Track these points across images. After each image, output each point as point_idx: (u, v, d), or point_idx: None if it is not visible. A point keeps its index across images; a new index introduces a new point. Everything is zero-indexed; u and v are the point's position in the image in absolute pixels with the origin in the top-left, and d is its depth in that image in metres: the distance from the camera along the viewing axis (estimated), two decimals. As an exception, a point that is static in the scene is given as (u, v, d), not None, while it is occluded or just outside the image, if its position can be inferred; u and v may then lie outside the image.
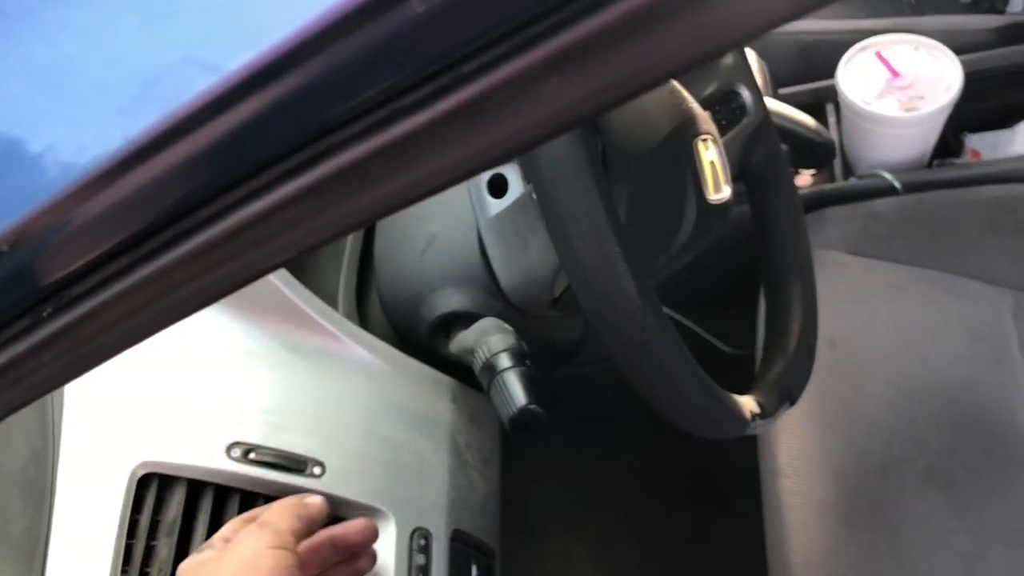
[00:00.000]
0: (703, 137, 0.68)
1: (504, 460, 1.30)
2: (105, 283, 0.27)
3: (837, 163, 1.15)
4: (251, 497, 0.56)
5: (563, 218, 0.51)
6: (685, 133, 0.67)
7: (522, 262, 0.65)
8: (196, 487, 0.55)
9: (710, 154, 0.68)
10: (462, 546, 0.61)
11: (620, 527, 1.25)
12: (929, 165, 1.14)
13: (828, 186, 1.11)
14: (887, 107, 1.06)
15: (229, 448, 0.56)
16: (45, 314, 0.28)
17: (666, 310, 1.21)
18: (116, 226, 0.25)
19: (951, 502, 0.89)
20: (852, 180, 1.11)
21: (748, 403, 0.62)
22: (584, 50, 0.21)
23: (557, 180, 0.51)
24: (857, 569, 0.85)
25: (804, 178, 1.17)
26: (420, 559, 0.58)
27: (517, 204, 0.64)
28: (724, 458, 1.11)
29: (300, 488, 0.57)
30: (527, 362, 0.60)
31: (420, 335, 0.69)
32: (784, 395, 0.68)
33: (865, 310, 1.01)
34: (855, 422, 0.93)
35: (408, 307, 0.69)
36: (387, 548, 0.58)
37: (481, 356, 0.60)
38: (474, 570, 0.61)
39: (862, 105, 1.06)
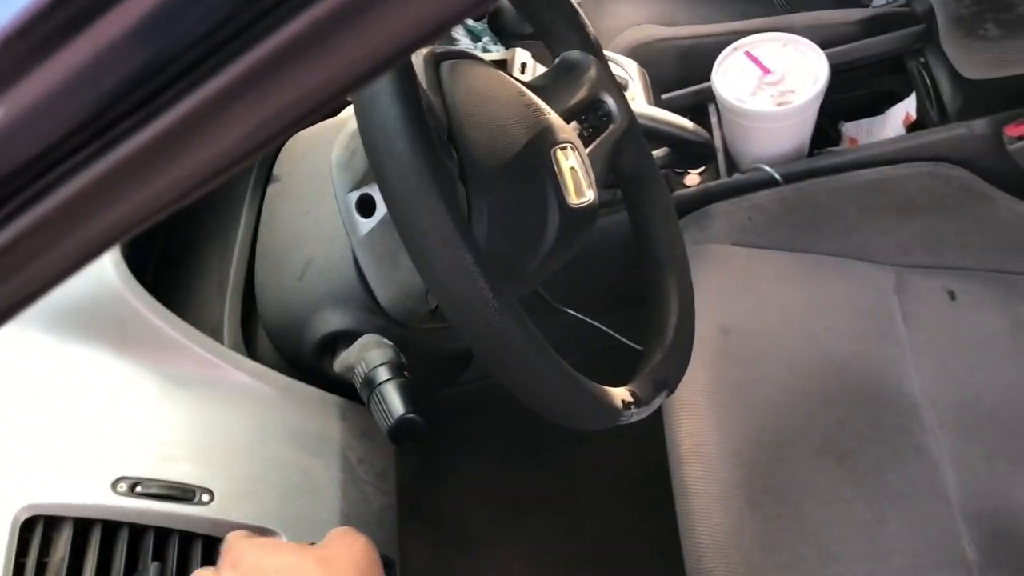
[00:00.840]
0: (561, 145, 0.71)
1: (431, 477, 1.32)
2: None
3: (722, 161, 1.19)
4: (140, 531, 0.58)
5: (414, 233, 0.54)
6: (543, 142, 0.70)
7: (396, 277, 0.67)
8: (83, 525, 0.56)
9: (569, 161, 0.71)
10: (359, 558, 0.63)
11: (553, 529, 1.27)
12: (810, 154, 1.19)
13: (713, 183, 1.16)
14: (761, 103, 1.10)
15: (115, 483, 0.57)
16: None
17: (576, 314, 1.25)
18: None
19: (847, 473, 0.92)
20: (736, 175, 1.15)
21: (620, 394, 0.65)
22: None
23: (404, 197, 0.53)
24: (763, 545, 0.88)
25: (692, 177, 1.21)
26: (315, 576, 0.59)
27: (383, 222, 0.66)
28: (643, 454, 1.14)
29: (189, 516, 0.58)
30: (405, 373, 0.62)
31: (306, 357, 0.71)
32: (660, 384, 0.71)
33: (754, 298, 1.05)
34: (751, 405, 0.96)
35: (292, 331, 0.71)
36: (281, 567, 0.59)
37: (360, 372, 0.62)
38: (374, 582, 0.63)
39: (737, 103, 1.11)
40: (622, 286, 1.20)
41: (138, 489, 0.58)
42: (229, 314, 0.71)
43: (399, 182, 0.53)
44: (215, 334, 0.69)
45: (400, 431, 0.60)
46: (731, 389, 0.98)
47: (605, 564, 1.24)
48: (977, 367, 1.00)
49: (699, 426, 0.96)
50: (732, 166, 1.20)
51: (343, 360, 0.66)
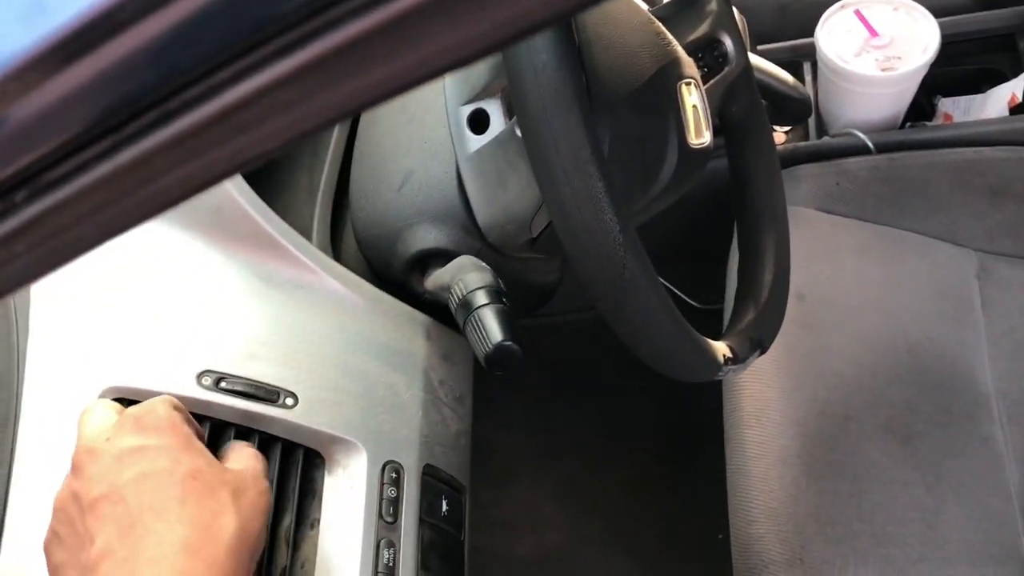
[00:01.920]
0: (687, 80, 0.68)
1: (475, 412, 1.31)
2: (84, 167, 0.26)
3: (811, 122, 1.15)
4: (221, 426, 0.56)
5: (547, 151, 0.51)
6: (670, 75, 0.66)
7: (501, 200, 0.64)
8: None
9: (693, 98, 0.68)
10: (433, 481, 0.61)
11: (584, 475, 1.26)
12: (902, 127, 1.15)
13: (802, 144, 1.12)
14: (864, 66, 1.06)
15: (200, 376, 0.56)
16: (18, 199, 0.27)
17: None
18: (95, 102, 0.24)
19: (909, 455, 0.90)
20: (825, 138, 1.11)
21: (721, 348, 0.63)
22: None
23: (543, 112, 0.50)
24: (817, 516, 0.86)
25: (778, 135, 1.17)
26: (391, 492, 0.58)
27: (498, 140, 0.63)
28: (688, 410, 1.13)
29: (271, 418, 0.56)
30: (504, 300, 0.60)
31: (395, 272, 0.69)
32: (755, 343, 0.68)
33: (833, 266, 1.02)
34: (819, 375, 0.94)
35: (383, 243, 0.68)
36: (358, 480, 0.57)
37: (457, 293, 0.60)
38: (444, 505, 0.61)
39: (839, 63, 1.06)
40: (696, 240, 1.17)
41: (223, 384, 0.56)
42: (319, 217, 0.69)
43: (538, 97, 0.50)
44: (303, 235, 0.66)
45: (497, 358, 0.58)
46: (800, 356, 0.95)
47: (635, 512, 1.23)
48: (1053, 364, 0.98)
49: (764, 390, 0.94)
50: (821, 128, 1.16)
51: (436, 279, 0.64)
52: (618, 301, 0.54)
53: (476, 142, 0.64)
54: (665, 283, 1.23)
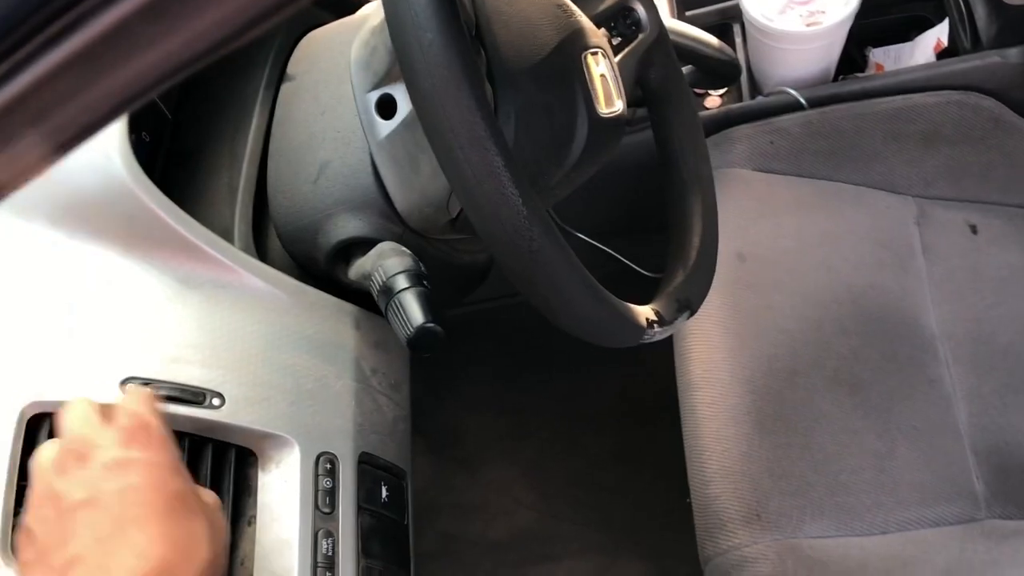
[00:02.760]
0: (592, 50, 0.68)
1: (438, 394, 1.31)
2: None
3: (745, 83, 1.15)
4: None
5: (442, 131, 0.51)
6: (573, 46, 0.67)
7: (415, 183, 0.65)
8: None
9: (600, 67, 0.68)
10: (371, 468, 0.62)
11: (552, 450, 1.27)
12: (835, 80, 1.15)
13: (735, 105, 1.12)
14: (789, 23, 1.07)
15: (123, 383, 0.56)
16: None
17: (587, 239, 1.22)
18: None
19: (859, 404, 0.91)
20: (759, 98, 1.12)
21: (645, 312, 0.63)
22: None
23: (433, 92, 0.51)
24: (771, 471, 0.87)
25: (713, 99, 1.17)
26: (327, 483, 0.58)
27: (405, 123, 0.64)
28: (650, 379, 1.14)
29: (199, 419, 0.57)
30: (424, 283, 0.60)
31: (319, 264, 0.69)
32: (683, 304, 0.69)
33: (772, 224, 1.03)
34: (765, 332, 0.95)
35: (305, 236, 0.68)
36: (292, 474, 0.58)
37: (378, 280, 0.60)
38: (384, 491, 0.62)
39: (765, 22, 1.07)
40: (640, 211, 1.17)
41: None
42: (240, 216, 0.69)
43: (427, 75, 0.51)
44: (226, 236, 0.66)
45: (420, 340, 0.58)
46: (744, 316, 0.96)
47: (606, 486, 1.24)
48: (996, 303, 0.99)
49: (710, 352, 0.95)
50: (755, 89, 1.16)
51: (359, 267, 0.64)
52: (528, 273, 0.54)
53: (385, 127, 0.65)
54: (616, 255, 1.24)
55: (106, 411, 0.50)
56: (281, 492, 0.57)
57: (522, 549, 1.20)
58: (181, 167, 0.76)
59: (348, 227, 0.66)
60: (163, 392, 0.56)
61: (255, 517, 0.57)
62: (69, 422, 0.50)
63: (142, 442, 0.48)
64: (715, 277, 0.98)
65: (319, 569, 0.55)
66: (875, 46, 1.21)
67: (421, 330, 0.58)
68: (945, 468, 0.89)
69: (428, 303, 0.59)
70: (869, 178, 1.06)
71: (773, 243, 1.01)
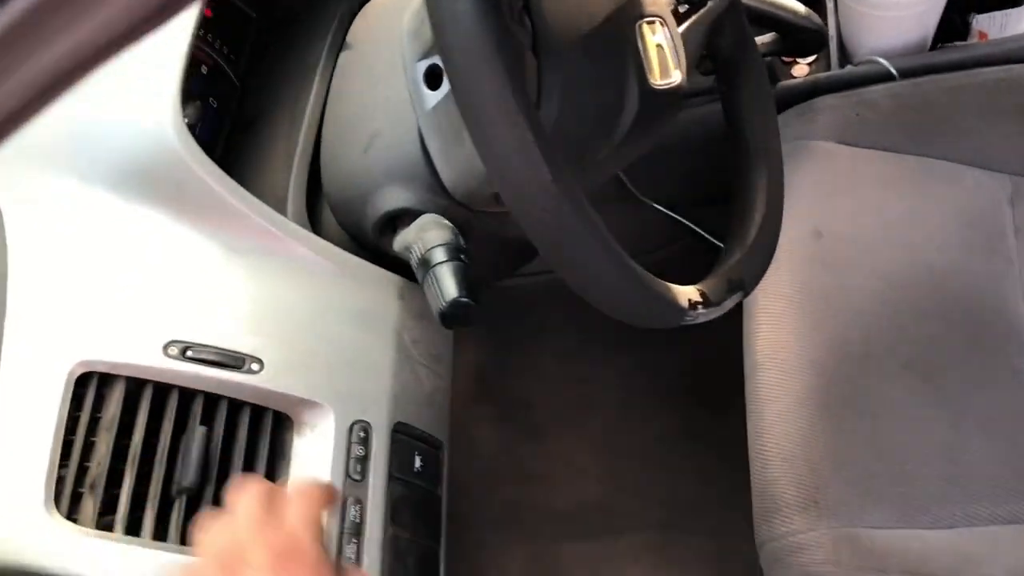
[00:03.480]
0: (649, 19, 0.66)
1: (506, 364, 1.32)
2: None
3: (834, 51, 1.10)
4: (190, 395, 0.58)
5: (472, 104, 0.51)
6: (628, 15, 0.65)
7: (460, 155, 0.64)
8: (135, 384, 0.57)
9: (657, 37, 0.66)
10: (405, 438, 0.62)
11: (619, 424, 1.26)
12: (932, 49, 1.09)
13: (822, 75, 1.08)
14: (882, -11, 1.01)
15: (166, 346, 0.58)
16: None
17: (658, 207, 1.20)
18: None
19: (933, 391, 0.87)
20: (848, 67, 1.07)
21: (687, 292, 0.61)
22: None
23: (463, 64, 0.50)
24: (833, 457, 0.85)
25: (800, 67, 1.13)
26: (359, 450, 0.59)
27: (449, 95, 0.63)
28: (719, 357, 1.11)
29: (238, 384, 0.58)
30: (463, 257, 0.60)
31: (367, 235, 0.69)
32: (735, 285, 0.67)
33: (853, 201, 0.99)
34: (837, 313, 0.91)
35: (354, 207, 0.69)
36: (326, 440, 0.59)
37: (417, 252, 0.60)
38: (417, 461, 0.62)
39: (856, -13, 1.02)
40: (713, 182, 1.14)
41: (189, 353, 0.58)
42: (295, 186, 0.70)
43: (457, 46, 0.50)
44: (280, 205, 0.68)
45: (452, 314, 0.58)
46: (817, 296, 0.93)
47: (670, 464, 1.22)
48: (1093, 290, 0.93)
49: (778, 332, 0.92)
50: (845, 57, 1.11)
51: (402, 239, 0.65)
52: (557, 251, 0.53)
53: (432, 98, 0.64)
54: (691, 225, 1.21)
55: (274, 503, 0.48)
56: (314, 458, 0.58)
57: (584, 520, 1.20)
58: (245, 133, 0.78)
59: (395, 198, 0.66)
60: (203, 356, 0.58)
61: (287, 481, 0.58)
62: (235, 510, 0.48)
63: (291, 571, 0.46)
64: (788, 254, 0.96)
65: (345, 535, 0.56)
66: (979, 12, 1.14)
67: (454, 304, 0.58)
68: (1022, 464, 0.85)
69: (464, 277, 0.59)
70: (961, 154, 1.00)
71: (852, 220, 0.97)
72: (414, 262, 0.61)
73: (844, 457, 0.85)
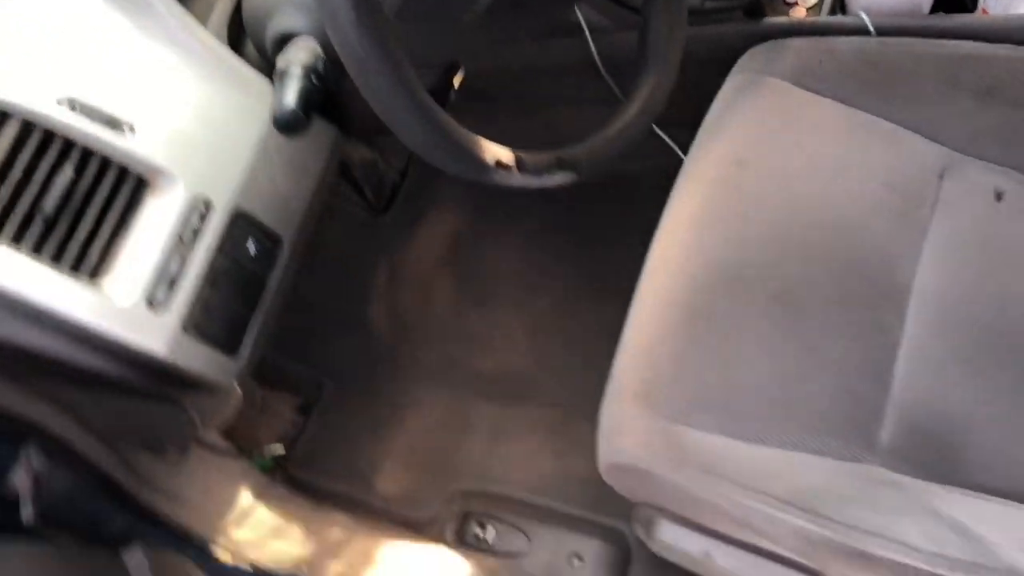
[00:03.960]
0: None
1: (483, 238, 1.41)
2: None
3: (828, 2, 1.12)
4: (69, 145, 0.70)
5: None
6: None
7: None
8: (26, 128, 0.69)
9: None
10: (245, 224, 0.73)
11: (559, 310, 1.35)
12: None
13: (805, 19, 1.10)
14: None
15: (60, 100, 0.69)
16: None
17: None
18: None
19: (790, 326, 0.92)
20: (827, 17, 1.09)
21: (500, 153, 0.69)
22: None
23: None
24: (676, 360, 0.91)
25: (799, 10, 1.15)
26: (196, 223, 0.70)
27: None
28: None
29: (111, 143, 0.70)
30: (313, 78, 0.69)
31: (267, 54, 0.79)
32: (567, 164, 0.74)
33: (790, 141, 1.03)
34: (729, 238, 0.97)
35: (258, 26, 0.79)
36: (172, 207, 0.70)
37: (281, 63, 0.70)
38: (252, 246, 0.73)
39: (853, -63, 1.03)
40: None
41: (77, 108, 0.70)
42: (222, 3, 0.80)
43: None
44: (204, 15, 0.78)
45: (284, 121, 0.68)
46: (717, 219, 0.98)
47: (591, 355, 1.29)
48: (989, 273, 0.95)
49: (674, 243, 0.98)
50: (842, 7, 1.13)
51: (282, 55, 0.74)
52: (363, 83, 0.62)
53: None
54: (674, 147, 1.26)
55: None
56: (157, 221, 0.70)
57: (502, 386, 1.30)
58: None
59: (287, 20, 0.76)
60: (88, 113, 0.70)
61: (130, 233, 0.70)
62: None
63: None
64: (707, 175, 1.01)
65: (161, 283, 0.68)
66: (990, -11, 1.13)
67: (287, 111, 0.67)
68: (854, 408, 0.90)
69: (305, 94, 0.68)
70: (908, 120, 1.02)
71: (779, 157, 1.01)
72: (276, 73, 0.71)
73: (686, 361, 0.91)
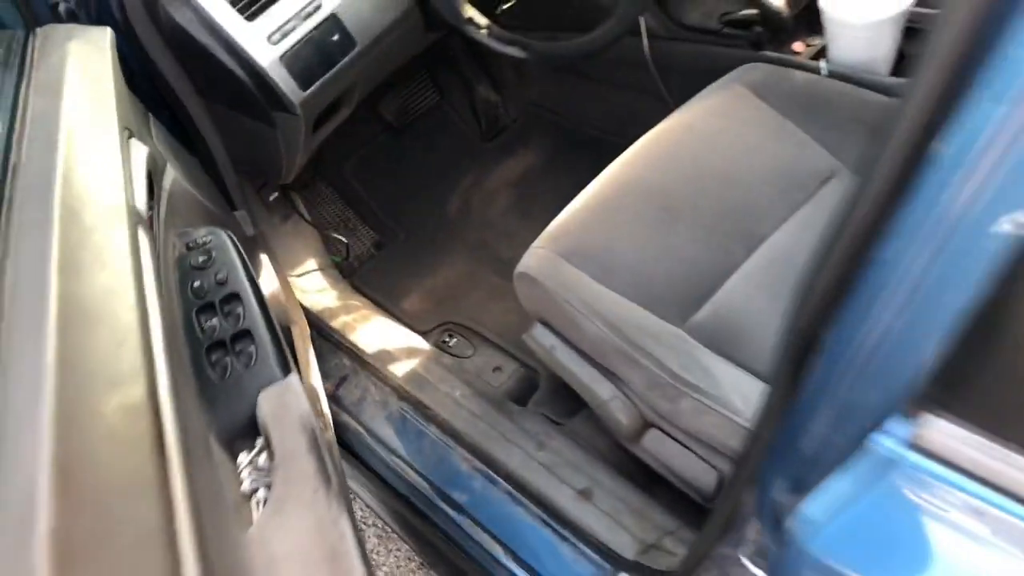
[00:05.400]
0: None
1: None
2: None
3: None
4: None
5: None
6: None
7: None
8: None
9: None
10: (333, 23, 1.26)
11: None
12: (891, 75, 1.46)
13: (779, 55, 1.51)
14: (842, 9, 1.42)
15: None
16: None
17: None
18: None
19: (666, 226, 1.31)
20: (794, 57, 1.49)
21: (479, 17, 1.16)
22: None
23: None
24: (584, 224, 1.33)
25: (798, 45, 1.55)
26: (310, 9, 1.24)
27: None
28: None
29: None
30: None
31: None
32: (522, 46, 1.19)
33: (730, 125, 1.43)
34: (655, 168, 1.38)
35: None
36: None
37: None
38: (336, 36, 1.25)
39: (826, 4, 1.43)
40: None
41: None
42: None
43: None
44: None
45: None
46: (654, 156, 1.40)
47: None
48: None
49: (624, 161, 1.41)
50: (823, 52, 1.52)
51: None
52: None
53: None
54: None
55: None
56: None
57: (512, 270, 1.75)
58: None
59: None
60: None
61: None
62: None
63: None
64: (664, 124, 1.44)
65: (280, 32, 1.21)
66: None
67: None
68: (684, 294, 1.28)
69: None
70: (822, 138, 1.40)
71: (718, 133, 1.42)
72: None
73: (589, 228, 1.34)
